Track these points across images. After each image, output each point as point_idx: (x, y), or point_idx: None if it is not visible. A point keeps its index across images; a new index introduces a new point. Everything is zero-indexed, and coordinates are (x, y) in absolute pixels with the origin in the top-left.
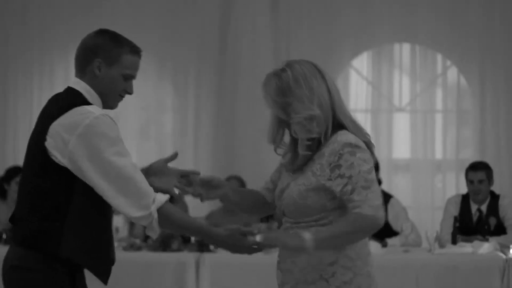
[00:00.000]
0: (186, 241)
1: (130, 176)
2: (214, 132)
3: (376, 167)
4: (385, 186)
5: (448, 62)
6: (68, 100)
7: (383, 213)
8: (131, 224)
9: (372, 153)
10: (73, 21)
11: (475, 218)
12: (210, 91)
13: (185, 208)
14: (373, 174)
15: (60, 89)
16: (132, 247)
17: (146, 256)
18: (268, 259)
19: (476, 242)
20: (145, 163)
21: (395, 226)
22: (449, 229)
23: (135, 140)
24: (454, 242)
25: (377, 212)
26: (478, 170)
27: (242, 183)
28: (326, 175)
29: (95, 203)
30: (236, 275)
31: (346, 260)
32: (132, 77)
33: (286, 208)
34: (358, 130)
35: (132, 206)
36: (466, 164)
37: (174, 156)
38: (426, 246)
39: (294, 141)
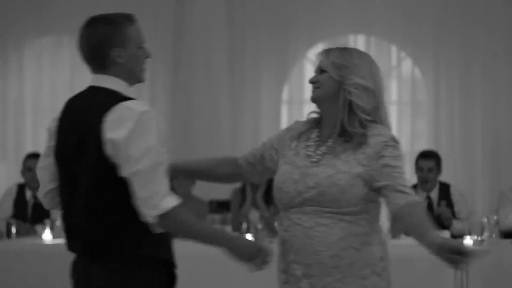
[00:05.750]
0: None
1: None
2: (169, 127)
3: None
4: None
5: (403, 54)
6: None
7: None
8: None
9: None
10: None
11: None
12: (165, 86)
13: (205, 209)
14: None
15: (14, 79)
16: None
17: None
18: None
19: None
20: None
21: None
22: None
23: None
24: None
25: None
26: (428, 159)
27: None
28: (372, 166)
29: None
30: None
31: (387, 255)
32: (143, 42)
33: (323, 196)
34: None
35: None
36: None
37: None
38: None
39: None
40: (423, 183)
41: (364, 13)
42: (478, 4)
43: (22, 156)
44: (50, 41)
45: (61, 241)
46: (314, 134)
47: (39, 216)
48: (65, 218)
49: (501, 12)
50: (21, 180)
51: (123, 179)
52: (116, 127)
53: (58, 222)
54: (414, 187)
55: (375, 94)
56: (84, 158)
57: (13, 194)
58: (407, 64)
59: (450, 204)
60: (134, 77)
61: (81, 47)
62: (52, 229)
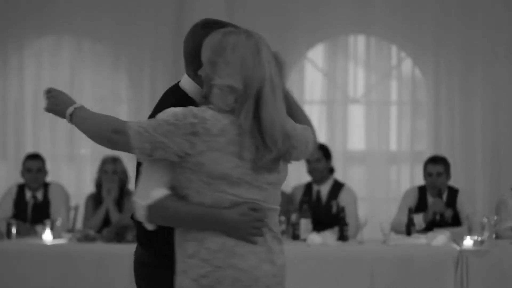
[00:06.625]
0: None
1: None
2: None
3: (328, 155)
4: (340, 177)
5: (403, 54)
6: None
7: (128, 140)
8: (86, 215)
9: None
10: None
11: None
12: (165, 82)
13: None
14: (163, 126)
15: (14, 79)
16: (86, 238)
17: (101, 247)
18: None
19: (430, 234)
20: (99, 155)
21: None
22: (405, 217)
23: None
24: (408, 233)
25: (131, 132)
26: (437, 163)
27: None
28: None
29: None
30: None
31: (206, 253)
32: None
33: None
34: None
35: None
36: (421, 156)
37: None
38: (381, 238)
39: None
40: (432, 189)
41: (364, 13)
42: (478, 4)
43: (22, 156)
44: (50, 41)
45: (61, 241)
46: None
47: (39, 216)
48: None
49: (501, 12)
50: (21, 180)
51: None
52: None
53: (58, 222)
54: (423, 189)
55: (246, 90)
56: None
57: (13, 194)
58: (407, 64)
59: (454, 206)
60: None
61: (189, 42)
62: (52, 229)
